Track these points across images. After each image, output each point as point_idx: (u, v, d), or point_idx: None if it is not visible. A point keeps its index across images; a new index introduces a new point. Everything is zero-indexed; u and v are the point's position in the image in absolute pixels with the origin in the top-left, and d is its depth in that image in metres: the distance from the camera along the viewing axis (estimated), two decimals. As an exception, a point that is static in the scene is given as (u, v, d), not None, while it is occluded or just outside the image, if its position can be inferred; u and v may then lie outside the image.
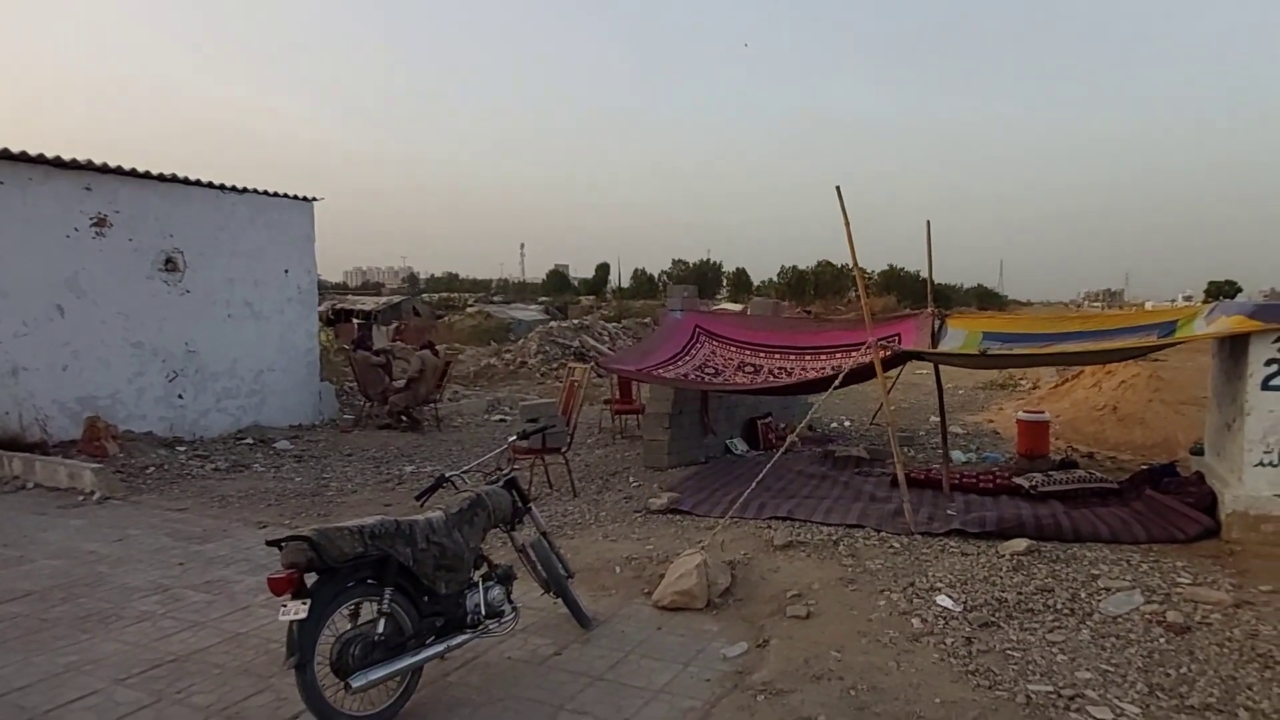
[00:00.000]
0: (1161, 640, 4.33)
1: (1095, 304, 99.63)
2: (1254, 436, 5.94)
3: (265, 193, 11.93)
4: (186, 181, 10.96)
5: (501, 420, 13.11)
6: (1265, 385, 5.91)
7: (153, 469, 9.13)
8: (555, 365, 19.37)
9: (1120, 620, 4.58)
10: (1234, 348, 6.38)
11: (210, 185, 11.25)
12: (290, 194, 12.27)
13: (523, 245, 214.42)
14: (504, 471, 4.76)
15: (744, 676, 4.12)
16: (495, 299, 50.80)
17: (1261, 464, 5.92)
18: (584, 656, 4.41)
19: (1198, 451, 7.70)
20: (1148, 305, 42.88)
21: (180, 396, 10.86)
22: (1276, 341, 5.88)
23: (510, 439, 5.36)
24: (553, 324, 24.80)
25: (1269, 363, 5.90)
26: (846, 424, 12.37)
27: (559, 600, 4.74)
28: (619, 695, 3.97)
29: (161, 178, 10.69)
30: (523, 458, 7.86)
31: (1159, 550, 5.80)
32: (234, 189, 11.52)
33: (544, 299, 50.54)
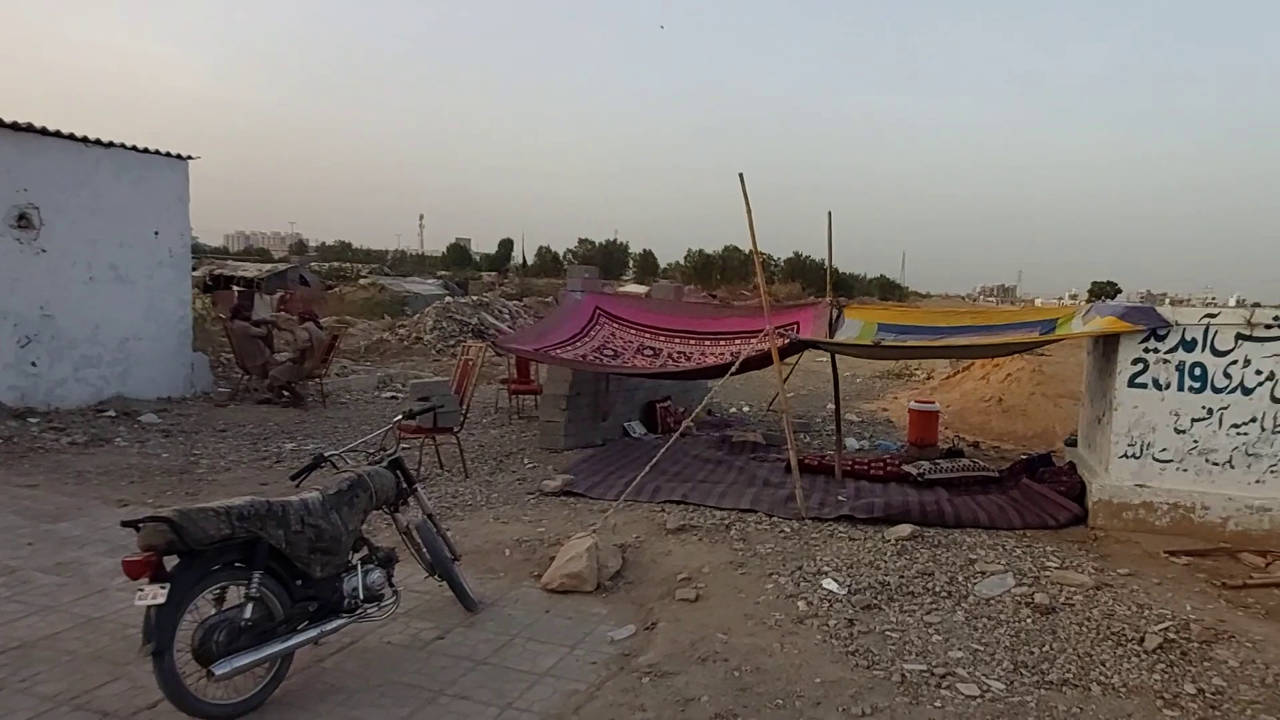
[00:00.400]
0: (1029, 620, 4.54)
1: (990, 299, 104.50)
2: (1120, 430, 6.31)
3: (134, 148, 11.06)
4: (44, 132, 10.03)
5: (393, 398, 12.68)
6: (1131, 382, 6.30)
7: (0, 441, 8.39)
8: (453, 342, 18.88)
9: (993, 602, 4.78)
10: (1106, 346, 6.76)
11: (71, 137, 10.34)
12: (162, 151, 11.44)
13: (422, 217, 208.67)
14: (388, 451, 4.58)
15: (630, 659, 4.10)
16: (389, 270, 49.10)
17: (1125, 455, 6.31)
18: (468, 640, 4.30)
19: (1072, 443, 8.15)
20: (1038, 302, 45.28)
21: (34, 364, 10.00)
22: (1142, 342, 6.26)
23: (397, 418, 5.16)
24: (450, 299, 24.15)
25: (1135, 361, 6.29)
26: (745, 409, 12.54)
27: (444, 583, 4.61)
28: (502, 679, 3.88)
29: (16, 126, 9.76)
30: (411, 437, 7.60)
31: (1032, 536, 6.10)
32: (98, 142, 10.64)
33: (443, 273, 49.18)
